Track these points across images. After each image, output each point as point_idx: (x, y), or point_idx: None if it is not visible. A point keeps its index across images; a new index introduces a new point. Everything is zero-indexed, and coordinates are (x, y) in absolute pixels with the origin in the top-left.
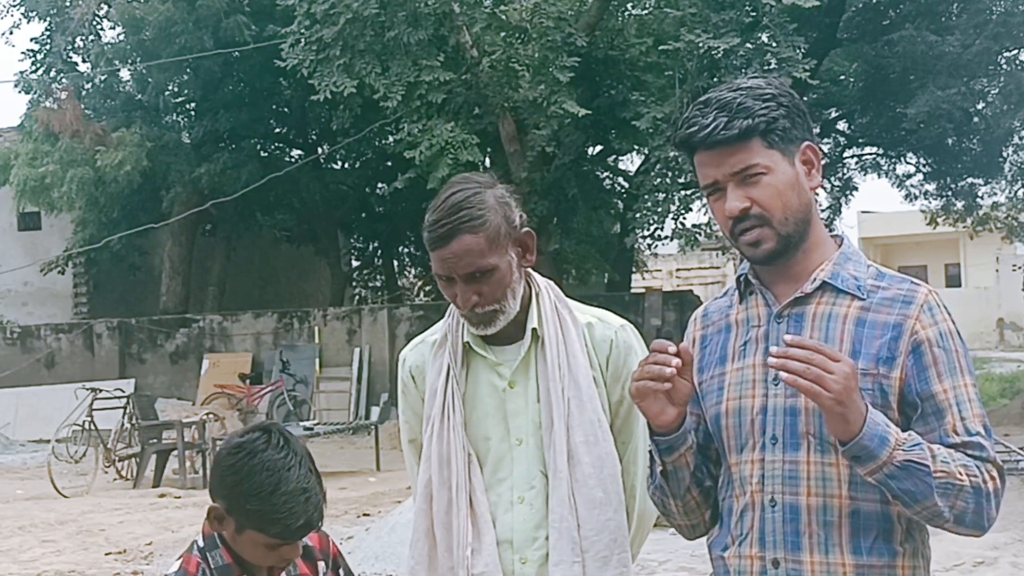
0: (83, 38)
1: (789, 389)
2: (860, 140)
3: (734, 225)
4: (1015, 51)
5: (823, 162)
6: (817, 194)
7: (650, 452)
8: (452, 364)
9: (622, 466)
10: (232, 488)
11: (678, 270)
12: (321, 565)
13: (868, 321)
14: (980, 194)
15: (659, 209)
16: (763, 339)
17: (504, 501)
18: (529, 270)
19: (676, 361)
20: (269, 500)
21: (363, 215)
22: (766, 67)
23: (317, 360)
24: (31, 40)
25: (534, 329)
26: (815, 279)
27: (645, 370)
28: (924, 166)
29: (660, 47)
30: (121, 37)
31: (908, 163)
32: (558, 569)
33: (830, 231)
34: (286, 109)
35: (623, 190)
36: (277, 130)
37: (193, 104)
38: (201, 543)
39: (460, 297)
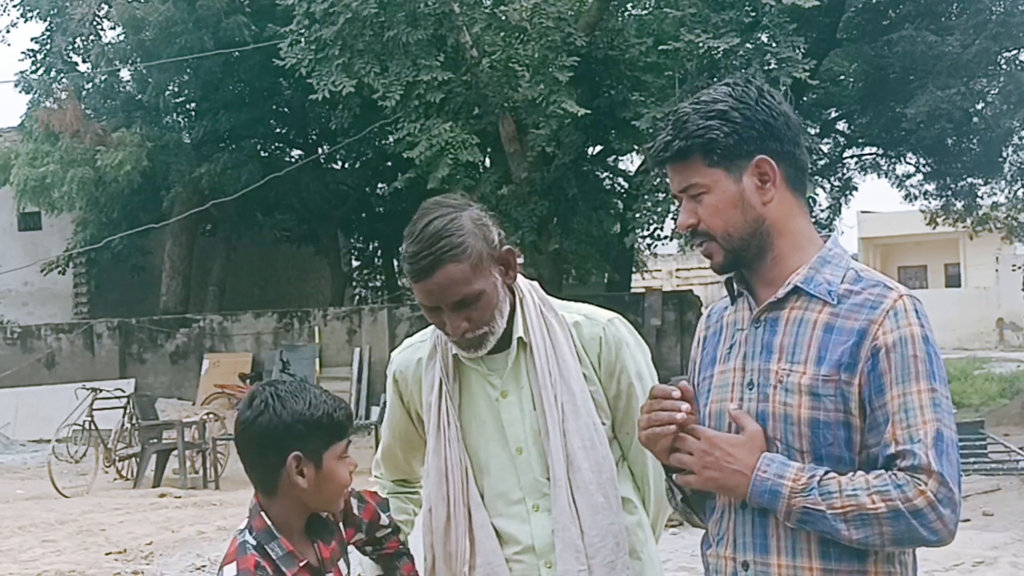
0: (83, 38)
1: (762, 394)
2: (860, 140)
3: (692, 237)
4: (1015, 51)
5: (776, 174)
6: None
7: (667, 481)
8: (444, 379)
9: (629, 457)
10: (297, 436)
11: (678, 270)
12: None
13: (836, 327)
14: (980, 194)
15: (659, 209)
16: (744, 343)
17: (520, 512)
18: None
19: (685, 406)
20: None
21: (363, 215)
22: (766, 67)
23: (317, 360)
24: (31, 40)
25: (520, 338)
26: (789, 283)
27: (652, 418)
28: (924, 166)
29: (660, 47)
30: (121, 37)
31: (908, 163)
32: None
33: (829, 231)
34: (286, 109)
35: (623, 190)
36: (277, 130)
37: (193, 104)
38: (253, 540)
39: (449, 326)
